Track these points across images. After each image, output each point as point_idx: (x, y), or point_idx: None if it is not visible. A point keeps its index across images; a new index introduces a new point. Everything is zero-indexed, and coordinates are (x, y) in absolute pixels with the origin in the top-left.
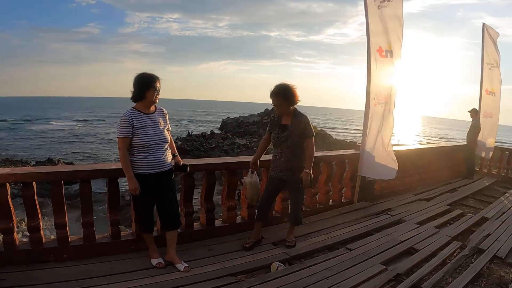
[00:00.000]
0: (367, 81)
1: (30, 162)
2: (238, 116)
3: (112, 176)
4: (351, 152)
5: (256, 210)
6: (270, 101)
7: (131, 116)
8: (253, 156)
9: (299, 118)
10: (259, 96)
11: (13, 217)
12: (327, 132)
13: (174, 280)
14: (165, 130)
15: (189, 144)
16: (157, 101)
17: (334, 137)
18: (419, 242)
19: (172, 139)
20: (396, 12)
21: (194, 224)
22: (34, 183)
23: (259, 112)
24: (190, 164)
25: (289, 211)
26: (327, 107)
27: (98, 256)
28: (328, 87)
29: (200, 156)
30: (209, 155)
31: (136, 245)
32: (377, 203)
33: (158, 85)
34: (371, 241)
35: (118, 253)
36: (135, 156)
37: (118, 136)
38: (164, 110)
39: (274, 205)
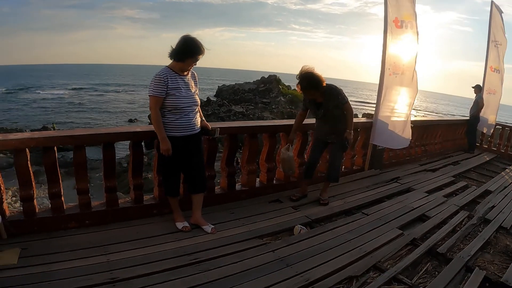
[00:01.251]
0: (383, 52)
1: (26, 130)
2: (234, 83)
3: (135, 140)
4: (364, 120)
5: (304, 170)
6: (265, 68)
7: (167, 76)
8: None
9: (330, 92)
10: (255, 63)
11: (33, 184)
12: None
13: (202, 243)
14: (195, 94)
15: None
16: (190, 70)
17: None
18: (430, 209)
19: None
20: None
21: (215, 188)
22: (55, 148)
23: (254, 80)
24: (219, 128)
25: (327, 169)
26: (325, 76)
27: (121, 221)
28: (324, 56)
29: None
30: None
31: (158, 209)
32: (386, 172)
33: (200, 58)
34: (385, 207)
35: (141, 218)
36: (166, 118)
37: (151, 94)
38: (196, 73)
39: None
